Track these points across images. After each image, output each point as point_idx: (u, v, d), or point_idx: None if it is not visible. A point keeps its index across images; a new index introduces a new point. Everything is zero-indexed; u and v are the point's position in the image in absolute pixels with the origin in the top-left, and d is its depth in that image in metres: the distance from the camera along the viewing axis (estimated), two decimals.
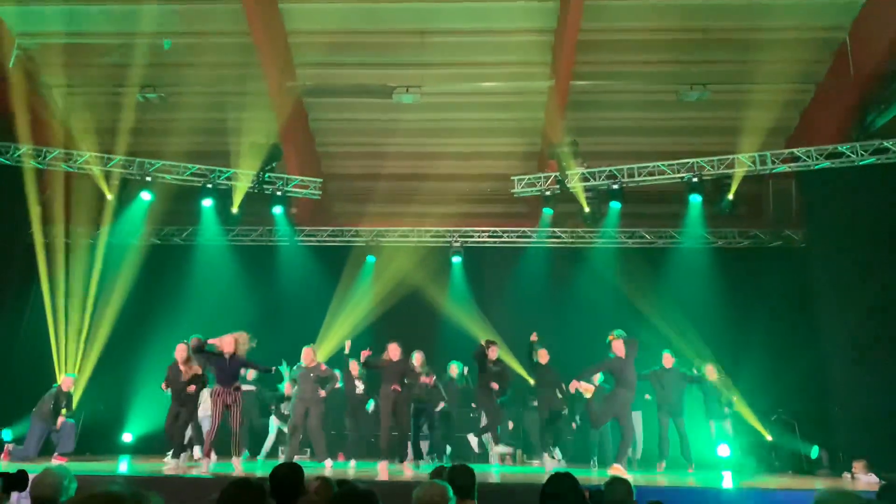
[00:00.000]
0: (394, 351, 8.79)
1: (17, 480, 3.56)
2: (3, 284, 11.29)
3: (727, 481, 7.97)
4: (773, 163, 10.75)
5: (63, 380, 9.87)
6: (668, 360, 9.80)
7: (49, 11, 10.99)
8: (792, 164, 10.75)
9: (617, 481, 3.82)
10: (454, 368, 10.93)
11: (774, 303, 11.58)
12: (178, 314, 11.59)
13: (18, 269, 11.57)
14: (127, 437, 11.48)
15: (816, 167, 10.58)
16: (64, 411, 9.44)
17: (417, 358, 9.33)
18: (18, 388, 11.11)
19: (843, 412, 10.41)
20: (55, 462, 8.69)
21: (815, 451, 10.20)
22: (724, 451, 10.18)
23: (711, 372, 10.02)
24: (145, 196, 11.44)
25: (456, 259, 12.53)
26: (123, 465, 8.74)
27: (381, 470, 8.07)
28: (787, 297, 11.65)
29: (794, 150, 10.71)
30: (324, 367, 9.40)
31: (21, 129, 11.22)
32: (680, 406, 9.64)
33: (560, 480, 3.45)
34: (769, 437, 10.65)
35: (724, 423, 9.97)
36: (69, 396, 9.69)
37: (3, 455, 9.13)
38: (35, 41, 11.49)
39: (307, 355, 9.33)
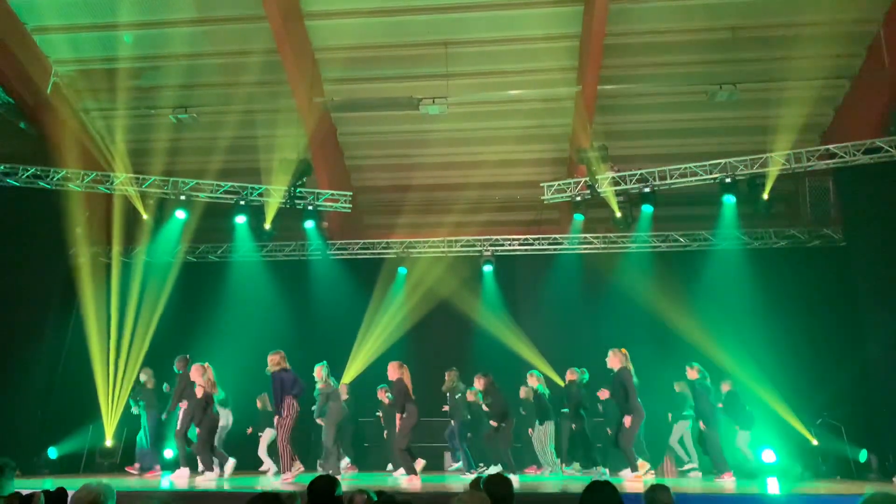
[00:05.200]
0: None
1: (57, 498, 3.63)
2: (46, 306, 11.56)
3: (773, 487, 7.78)
4: (809, 160, 10.51)
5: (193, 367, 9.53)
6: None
7: (83, 38, 11.34)
8: (828, 161, 10.50)
9: (657, 488, 3.75)
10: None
11: (816, 304, 11.29)
12: (216, 330, 11.76)
13: (60, 290, 11.83)
14: (168, 454, 11.62)
15: (854, 163, 10.32)
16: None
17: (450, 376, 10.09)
18: (62, 408, 11.37)
19: (891, 414, 10.09)
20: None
21: (863, 455, 9.93)
22: (769, 456, 9.97)
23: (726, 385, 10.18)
24: (180, 214, 11.64)
25: (487, 268, 12.48)
26: (166, 482, 8.85)
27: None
28: (828, 297, 11.34)
29: (830, 147, 10.47)
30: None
31: (60, 153, 11.55)
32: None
33: (599, 489, 3.39)
34: (815, 442, 10.39)
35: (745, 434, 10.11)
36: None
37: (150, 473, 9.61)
38: (70, 67, 11.83)
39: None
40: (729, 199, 10.81)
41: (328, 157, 12.75)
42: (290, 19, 10.71)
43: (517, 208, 13.67)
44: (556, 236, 12.62)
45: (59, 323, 11.76)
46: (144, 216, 11.56)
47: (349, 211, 12.06)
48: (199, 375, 9.04)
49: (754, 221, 11.76)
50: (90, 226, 12.47)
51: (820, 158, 10.56)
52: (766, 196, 10.57)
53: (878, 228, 10.54)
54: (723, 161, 10.74)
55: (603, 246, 12.55)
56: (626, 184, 11.05)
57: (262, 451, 10.48)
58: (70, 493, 3.65)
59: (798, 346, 10.85)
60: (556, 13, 10.78)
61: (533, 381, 10.48)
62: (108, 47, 11.45)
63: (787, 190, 12.40)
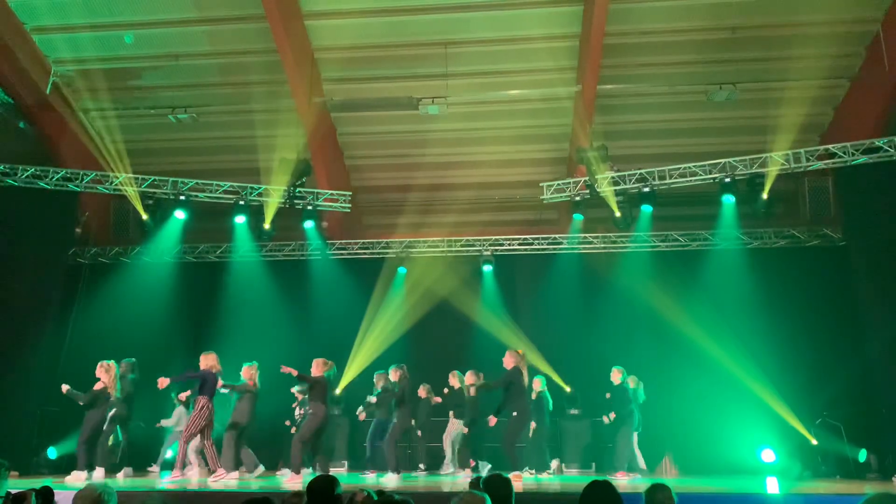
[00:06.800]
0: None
1: (45, 497, 3.66)
2: (46, 305, 11.55)
3: (773, 487, 7.78)
4: (808, 160, 10.51)
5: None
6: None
7: (82, 38, 11.31)
8: (827, 161, 10.48)
9: (658, 488, 3.75)
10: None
11: (815, 303, 11.30)
12: (215, 330, 11.74)
13: (60, 290, 11.81)
14: (167, 454, 11.61)
15: (853, 163, 10.32)
16: None
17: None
18: (62, 408, 11.35)
19: (890, 414, 10.10)
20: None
21: (863, 455, 9.93)
22: (769, 456, 9.98)
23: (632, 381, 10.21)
24: (179, 215, 11.63)
25: (487, 268, 12.47)
26: (164, 481, 8.84)
27: None
28: (828, 297, 11.35)
29: (830, 147, 10.45)
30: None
31: (59, 153, 11.54)
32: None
33: (598, 489, 3.39)
34: (815, 442, 10.40)
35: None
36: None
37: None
38: (69, 67, 11.81)
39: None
40: (728, 199, 10.79)
41: (327, 156, 12.74)
42: (290, 19, 10.71)
43: (517, 208, 13.66)
44: (556, 236, 12.61)
45: (58, 323, 11.75)
46: (144, 216, 11.55)
47: (349, 211, 12.06)
48: (104, 372, 9.02)
49: (754, 221, 11.73)
50: (90, 226, 12.47)
51: (819, 158, 10.55)
52: (765, 196, 10.55)
53: (877, 228, 10.56)
54: (722, 161, 10.73)
55: (602, 246, 12.54)
56: (625, 183, 11.04)
57: (192, 451, 10.48)
58: (59, 492, 3.66)
59: (798, 345, 10.85)
60: (555, 13, 10.77)
61: (454, 381, 10.43)
62: (107, 47, 11.44)
63: (787, 190, 12.39)
